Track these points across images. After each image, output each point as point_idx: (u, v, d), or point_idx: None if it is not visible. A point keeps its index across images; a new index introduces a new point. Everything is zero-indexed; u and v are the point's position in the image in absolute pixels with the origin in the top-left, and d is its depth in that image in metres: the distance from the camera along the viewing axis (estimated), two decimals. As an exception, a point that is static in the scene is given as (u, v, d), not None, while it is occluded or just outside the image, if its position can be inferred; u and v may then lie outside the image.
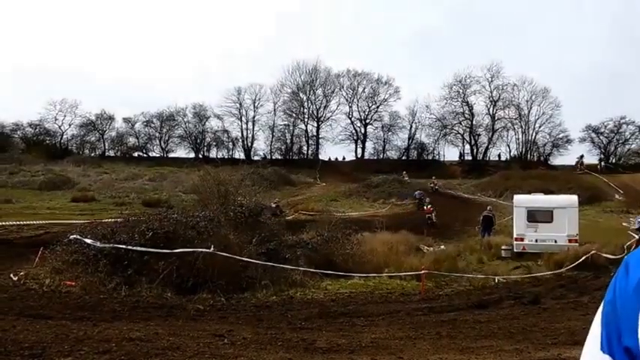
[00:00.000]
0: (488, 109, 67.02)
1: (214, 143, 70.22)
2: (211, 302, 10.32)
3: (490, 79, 65.74)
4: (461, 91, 67.12)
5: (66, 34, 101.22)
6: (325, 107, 70.47)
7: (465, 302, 11.61)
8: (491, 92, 66.33)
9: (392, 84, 69.35)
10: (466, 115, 67.72)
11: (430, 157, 69.99)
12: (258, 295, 11.22)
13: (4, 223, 16.74)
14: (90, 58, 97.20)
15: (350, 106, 70.80)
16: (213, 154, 68.64)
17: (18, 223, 20.61)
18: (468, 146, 68.85)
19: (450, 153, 72.06)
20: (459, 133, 68.89)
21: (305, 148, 71.06)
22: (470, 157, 68.13)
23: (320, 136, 70.24)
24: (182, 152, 69.29)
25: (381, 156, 70.30)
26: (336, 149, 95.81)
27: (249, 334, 7.65)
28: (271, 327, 8.41)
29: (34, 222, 22.05)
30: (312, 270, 13.25)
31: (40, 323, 7.41)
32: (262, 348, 6.79)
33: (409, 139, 70.13)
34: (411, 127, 69.85)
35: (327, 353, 6.66)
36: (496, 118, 66.85)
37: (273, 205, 27.80)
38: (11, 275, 11.49)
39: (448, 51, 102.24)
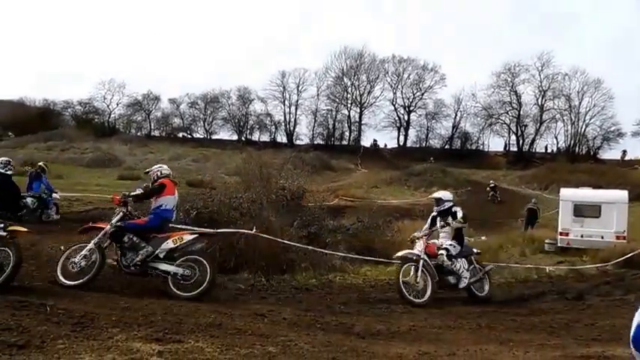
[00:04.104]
0: (537, 99, 65.46)
1: (257, 126, 70.97)
2: (252, 282, 10.50)
3: (540, 68, 64.12)
4: (509, 79, 65.73)
5: (114, 16, 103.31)
6: (369, 93, 70.15)
7: (506, 294, 11.48)
8: (540, 82, 64.73)
9: (438, 71, 68.56)
10: (513, 105, 66.35)
11: (474, 147, 68.92)
12: (298, 278, 11.35)
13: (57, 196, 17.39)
14: (138, 38, 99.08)
15: (394, 93, 70.27)
16: (255, 137, 69.57)
17: (69, 197, 21.39)
18: (513, 137, 67.43)
19: (494, 143, 70.94)
20: (505, 123, 67.55)
21: (347, 133, 70.93)
22: (515, 148, 66.73)
23: (362, 122, 70.00)
24: (225, 134, 70.32)
25: (424, 144, 69.58)
26: (378, 136, 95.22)
27: (289, 315, 7.75)
28: (310, 309, 8.51)
29: (83, 196, 22.86)
30: (351, 255, 13.31)
31: (89, 295, 7.70)
32: (302, 329, 6.87)
33: (453, 127, 69.26)
34: (456, 115, 68.92)
35: (365, 338, 6.69)
36: (545, 108, 65.25)
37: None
38: (61, 247, 11.93)
39: (497, 39, 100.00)
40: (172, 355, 4.92)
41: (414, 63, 68.91)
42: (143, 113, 71.61)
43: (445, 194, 10.80)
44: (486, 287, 10.49)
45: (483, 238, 22.02)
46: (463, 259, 10.14)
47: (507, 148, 67.84)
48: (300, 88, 69.99)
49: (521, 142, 66.52)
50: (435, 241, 10.23)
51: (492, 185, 40.78)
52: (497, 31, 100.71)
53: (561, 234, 19.98)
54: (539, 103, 65.32)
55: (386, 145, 68.76)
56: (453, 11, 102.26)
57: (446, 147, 68.60)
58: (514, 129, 66.78)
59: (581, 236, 19.60)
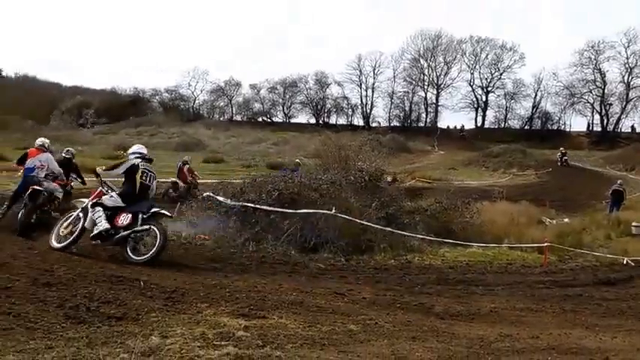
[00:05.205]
0: (623, 77, 61.23)
1: (334, 109, 71.06)
2: (332, 262, 10.73)
3: (627, 44, 59.91)
4: (593, 57, 61.83)
5: (199, 10, 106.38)
6: (446, 74, 68.45)
7: (591, 278, 11.08)
8: (627, 58, 60.41)
9: (517, 50, 65.73)
10: (597, 83, 62.47)
11: (555, 127, 65.97)
12: (376, 258, 11.46)
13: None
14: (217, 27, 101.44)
15: (471, 73, 68.11)
16: (333, 120, 69.89)
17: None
18: (597, 116, 63.77)
19: (576, 123, 67.51)
20: (588, 102, 63.95)
21: (424, 115, 69.86)
22: (599, 128, 63.21)
23: (439, 103, 68.67)
24: (303, 118, 70.93)
25: (502, 125, 67.36)
26: (455, 117, 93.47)
27: (369, 294, 7.88)
28: (389, 289, 8.60)
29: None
30: (429, 237, 13.26)
31: (178, 271, 8.14)
32: (382, 309, 6.97)
33: (533, 107, 66.39)
34: (536, 95, 66.06)
35: (445, 319, 6.72)
36: (631, 86, 61.08)
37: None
38: (152, 226, 12.66)
39: (579, 16, 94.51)
40: (257, 330, 5.13)
41: (492, 43, 66.60)
42: (225, 99, 73.39)
43: (132, 147, 9.98)
44: (153, 249, 8.53)
45: (566, 220, 21.29)
46: (127, 214, 8.78)
47: (591, 128, 64.34)
48: (376, 71, 69.51)
49: (605, 121, 62.88)
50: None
51: (563, 152, 44.57)
52: (580, 7, 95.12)
53: (650, 216, 18.95)
54: (626, 81, 61.20)
55: (463, 126, 67.19)
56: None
57: (525, 127, 66.13)
58: (598, 108, 63.18)
59: None
